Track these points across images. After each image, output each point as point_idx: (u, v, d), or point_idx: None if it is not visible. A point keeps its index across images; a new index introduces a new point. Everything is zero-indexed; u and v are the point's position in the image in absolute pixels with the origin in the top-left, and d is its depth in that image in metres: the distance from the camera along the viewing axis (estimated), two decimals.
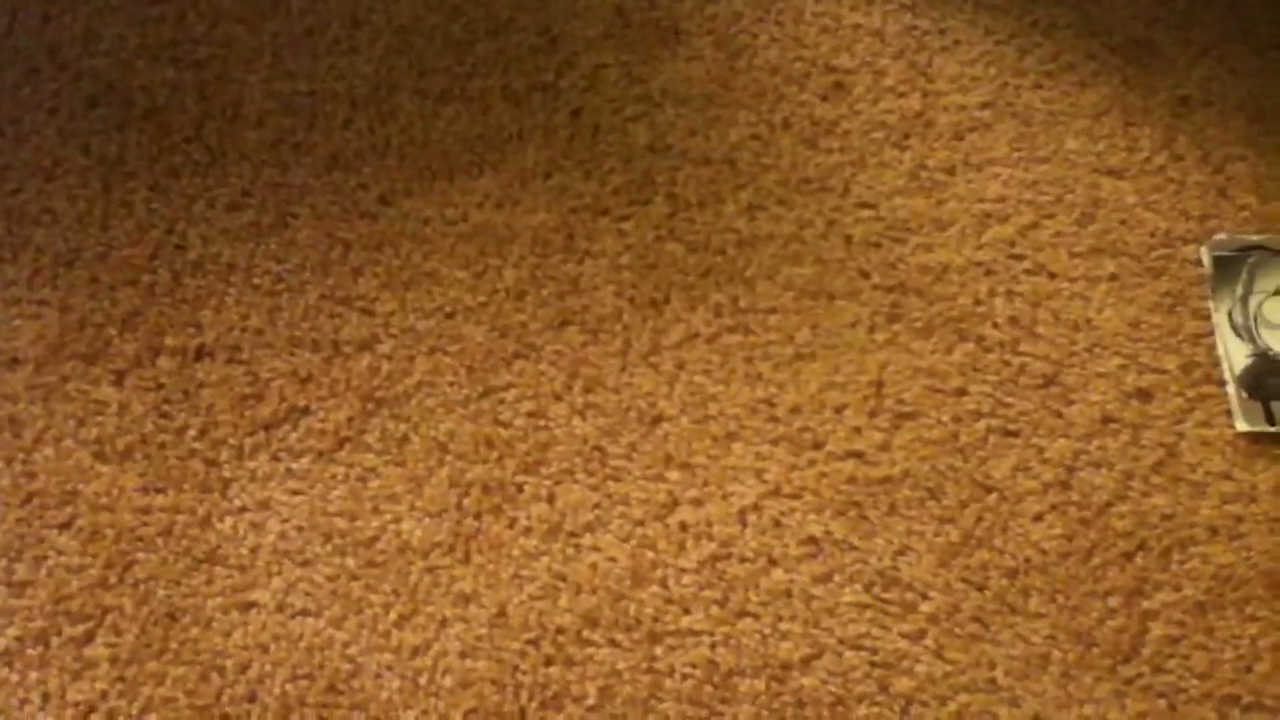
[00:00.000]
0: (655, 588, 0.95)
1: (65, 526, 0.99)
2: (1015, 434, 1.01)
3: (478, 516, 0.99)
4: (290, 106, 1.19)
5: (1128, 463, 1.00)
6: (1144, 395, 1.02)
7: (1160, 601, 0.94)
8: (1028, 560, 0.96)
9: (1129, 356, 1.04)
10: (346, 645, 0.94)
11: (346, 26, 1.23)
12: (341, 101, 1.19)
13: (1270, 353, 1.03)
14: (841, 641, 0.93)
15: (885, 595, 0.95)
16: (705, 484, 1.00)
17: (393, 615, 0.95)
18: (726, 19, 1.25)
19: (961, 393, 1.03)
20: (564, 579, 0.96)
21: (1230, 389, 1.02)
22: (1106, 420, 1.01)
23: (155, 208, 1.14)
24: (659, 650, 0.93)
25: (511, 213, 1.13)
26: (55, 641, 0.94)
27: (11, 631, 0.94)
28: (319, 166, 1.16)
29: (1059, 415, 1.02)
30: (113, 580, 0.96)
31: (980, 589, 0.95)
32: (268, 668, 0.93)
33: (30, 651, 0.93)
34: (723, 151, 1.16)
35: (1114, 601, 0.94)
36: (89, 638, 0.94)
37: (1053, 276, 1.08)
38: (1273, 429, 1.00)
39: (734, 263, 1.10)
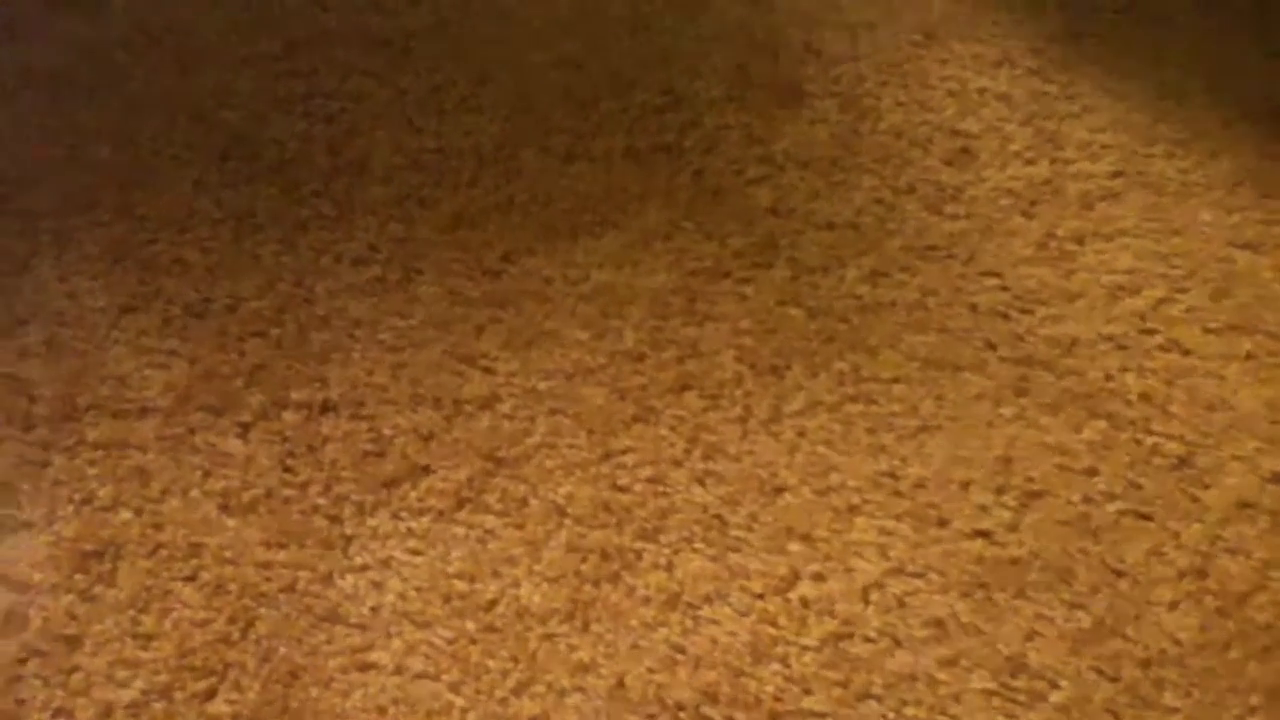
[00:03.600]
0: (776, 665, 0.94)
1: (190, 579, 1.00)
2: (1148, 517, 0.98)
3: (596, 584, 0.98)
4: (417, 162, 1.20)
5: (1267, 551, 0.96)
6: None
7: None
8: (1162, 651, 0.93)
9: (1267, 439, 1.01)
10: (465, 711, 0.94)
11: (472, 84, 1.25)
12: (467, 159, 1.20)
13: None
14: None
15: (1013, 683, 0.92)
16: (827, 558, 0.98)
17: (510, 682, 0.94)
18: (850, 81, 1.24)
19: (1092, 472, 1.00)
20: (683, 651, 0.95)
21: None
22: (1243, 505, 0.98)
23: (284, 260, 1.15)
24: None
25: (633, 273, 1.13)
26: (179, 696, 0.95)
27: (138, 684, 0.95)
28: (444, 223, 1.17)
29: (1194, 499, 0.99)
30: (235, 636, 0.97)
31: (1112, 680, 0.92)
32: None
33: (155, 705, 0.94)
34: (846, 216, 1.15)
35: (1255, 699, 0.91)
36: (211, 693, 0.95)
37: (1186, 353, 1.06)
38: None
39: (856, 330, 1.09)
